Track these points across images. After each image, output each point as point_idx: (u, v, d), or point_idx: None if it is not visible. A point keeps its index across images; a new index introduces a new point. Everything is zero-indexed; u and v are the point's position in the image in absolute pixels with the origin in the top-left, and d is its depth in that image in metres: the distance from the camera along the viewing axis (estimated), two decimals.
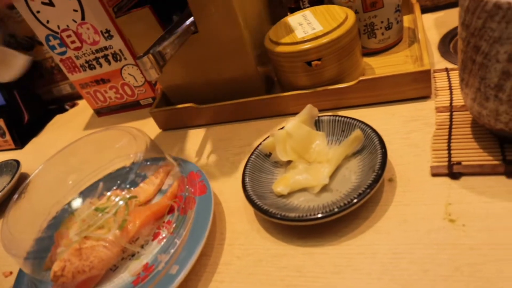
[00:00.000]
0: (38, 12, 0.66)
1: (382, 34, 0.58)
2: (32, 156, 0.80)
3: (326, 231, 0.38)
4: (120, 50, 0.68)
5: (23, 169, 0.72)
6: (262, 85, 0.58)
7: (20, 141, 0.84)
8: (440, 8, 0.67)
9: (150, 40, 0.47)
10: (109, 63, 0.71)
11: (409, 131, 0.45)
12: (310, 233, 0.38)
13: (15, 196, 0.46)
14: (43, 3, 0.65)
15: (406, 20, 0.65)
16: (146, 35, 0.55)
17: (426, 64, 0.47)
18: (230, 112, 0.59)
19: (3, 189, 0.66)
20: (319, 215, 0.36)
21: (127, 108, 0.78)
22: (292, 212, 0.38)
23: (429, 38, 0.60)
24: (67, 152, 0.50)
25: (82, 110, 0.87)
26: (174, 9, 0.56)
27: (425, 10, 0.66)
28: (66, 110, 0.92)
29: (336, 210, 0.35)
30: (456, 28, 0.60)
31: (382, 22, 0.57)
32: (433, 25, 0.63)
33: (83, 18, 0.65)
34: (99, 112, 0.82)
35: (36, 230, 0.44)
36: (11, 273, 0.52)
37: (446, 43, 0.57)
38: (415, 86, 0.48)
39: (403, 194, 0.38)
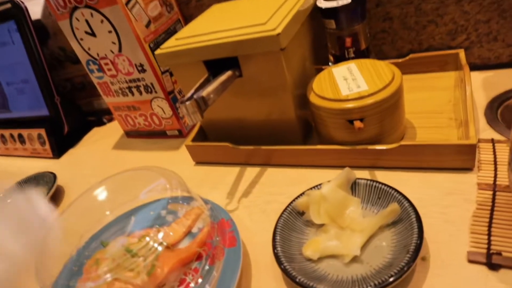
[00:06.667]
0: (81, 39, 0.71)
1: None
2: (67, 167, 0.82)
3: None
4: (151, 84, 0.71)
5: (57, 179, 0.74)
6: (299, 130, 0.58)
7: (58, 151, 0.87)
8: (490, 67, 0.65)
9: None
10: (141, 93, 0.74)
11: (447, 206, 0.44)
12: None
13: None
14: (86, 32, 0.69)
15: (453, 76, 0.64)
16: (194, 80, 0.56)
17: (472, 137, 0.45)
18: (264, 156, 0.59)
19: None
20: None
21: (154, 135, 0.81)
22: (320, 283, 0.37)
23: (476, 101, 0.58)
24: (100, 187, 0.52)
25: (118, 127, 0.88)
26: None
27: (473, 67, 0.64)
28: (104, 123, 0.95)
29: None
30: (505, 92, 0.58)
31: None
32: (481, 86, 0.61)
33: (120, 50, 0.68)
34: (129, 134, 0.85)
35: (62, 262, 0.46)
36: None
37: (494, 109, 0.55)
38: (458, 158, 0.47)
39: (436, 277, 0.37)
